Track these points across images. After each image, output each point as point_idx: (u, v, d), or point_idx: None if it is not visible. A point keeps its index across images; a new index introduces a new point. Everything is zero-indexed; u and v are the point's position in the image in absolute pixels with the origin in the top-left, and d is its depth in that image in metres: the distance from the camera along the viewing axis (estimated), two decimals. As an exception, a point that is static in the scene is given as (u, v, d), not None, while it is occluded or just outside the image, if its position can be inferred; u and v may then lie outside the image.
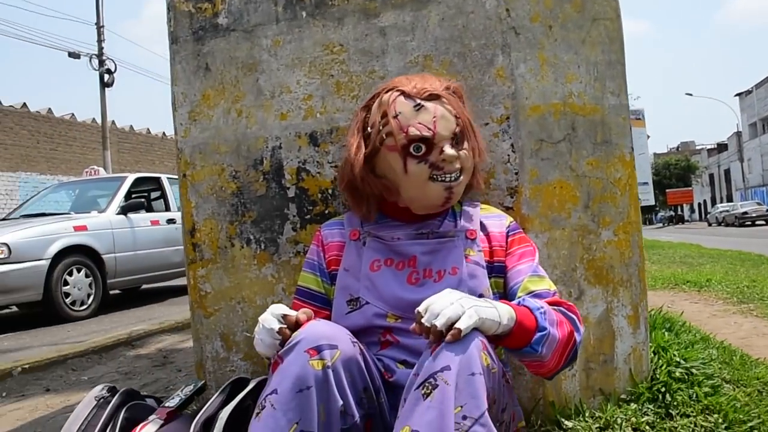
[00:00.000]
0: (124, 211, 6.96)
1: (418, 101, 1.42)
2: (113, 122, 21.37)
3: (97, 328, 5.44)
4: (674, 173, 54.69)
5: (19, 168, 19.10)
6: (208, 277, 2.03)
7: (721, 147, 60.94)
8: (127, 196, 7.27)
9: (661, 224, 55.39)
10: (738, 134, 50.77)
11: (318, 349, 1.18)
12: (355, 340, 1.29)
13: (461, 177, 1.46)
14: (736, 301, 4.93)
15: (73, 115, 22.03)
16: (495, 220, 1.55)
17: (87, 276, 6.31)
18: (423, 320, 1.15)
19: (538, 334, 1.24)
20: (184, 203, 2.07)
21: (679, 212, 58.73)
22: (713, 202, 58.62)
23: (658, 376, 1.98)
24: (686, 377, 2.01)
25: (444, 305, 1.15)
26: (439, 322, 1.12)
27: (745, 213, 33.99)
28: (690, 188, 53.27)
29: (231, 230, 2.00)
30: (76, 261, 6.23)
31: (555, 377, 1.39)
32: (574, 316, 1.36)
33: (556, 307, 1.35)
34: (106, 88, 19.47)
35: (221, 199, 2.01)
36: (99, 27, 19.79)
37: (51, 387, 2.98)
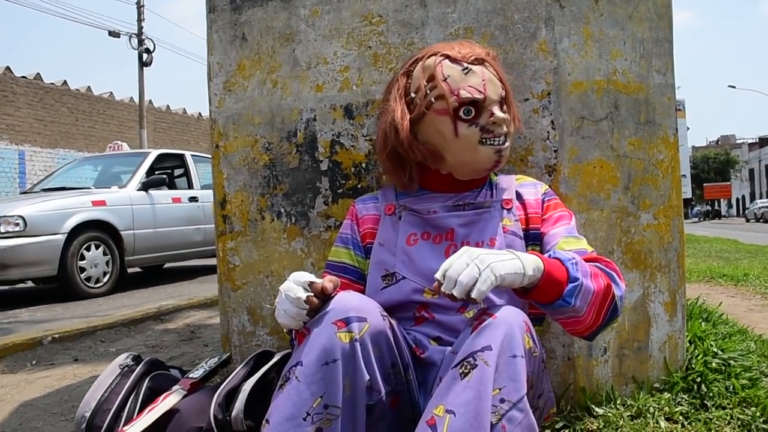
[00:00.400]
0: (146, 187, 6.79)
1: (466, 65, 1.40)
2: (150, 102, 21.59)
3: (129, 302, 5.50)
4: (713, 167, 53.68)
5: (57, 145, 19.41)
6: (237, 249, 2.01)
7: (763, 141, 59.55)
8: (150, 172, 7.08)
9: (696, 219, 54.44)
10: (781, 129, 49.39)
11: (346, 321, 1.15)
12: (385, 314, 1.25)
13: (507, 141, 1.44)
14: (775, 296, 4.80)
15: (111, 93, 22.31)
16: (530, 188, 1.51)
17: (105, 253, 6.22)
18: (442, 288, 1.10)
19: (570, 285, 1.18)
20: (216, 174, 2.05)
21: (716, 207, 57.66)
22: (752, 198, 57.40)
23: (693, 365, 1.92)
24: (723, 368, 1.94)
25: (460, 269, 1.09)
26: (457, 292, 1.07)
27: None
28: (728, 183, 52.27)
29: (262, 203, 1.98)
30: (93, 236, 6.12)
31: (594, 337, 1.30)
32: (612, 272, 1.29)
33: (592, 263, 1.30)
34: (145, 68, 19.69)
35: (253, 171, 1.99)
36: (139, 6, 20.00)
37: (79, 357, 3.00)
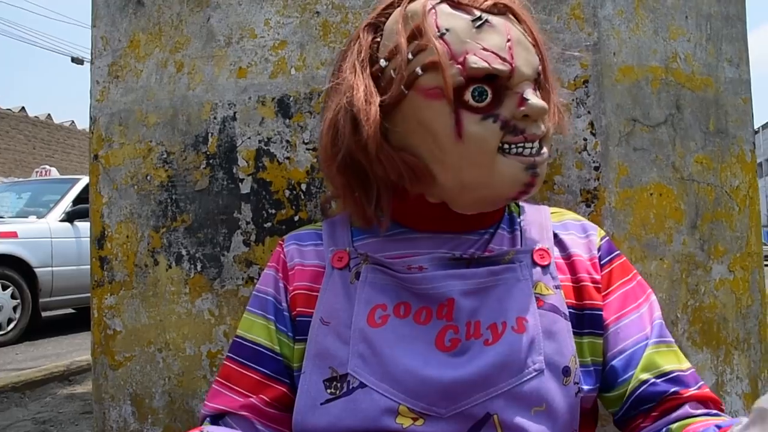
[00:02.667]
0: (71, 217, 5.83)
1: (479, 12, 0.78)
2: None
3: (53, 351, 4.78)
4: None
5: (12, 173, 18.59)
6: (119, 308, 1.36)
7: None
8: (78, 200, 6.00)
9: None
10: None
11: None
12: None
13: (545, 149, 0.80)
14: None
15: (73, 122, 21.70)
16: (579, 235, 0.89)
17: (13, 296, 5.30)
18: None
19: None
20: (94, 198, 1.42)
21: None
22: None
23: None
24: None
25: None
26: None
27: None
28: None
29: (155, 240, 1.34)
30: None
31: None
32: None
33: (722, 415, 0.72)
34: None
35: (145, 193, 1.35)
36: (102, 33, 19.44)
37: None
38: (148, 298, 1.34)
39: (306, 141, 1.24)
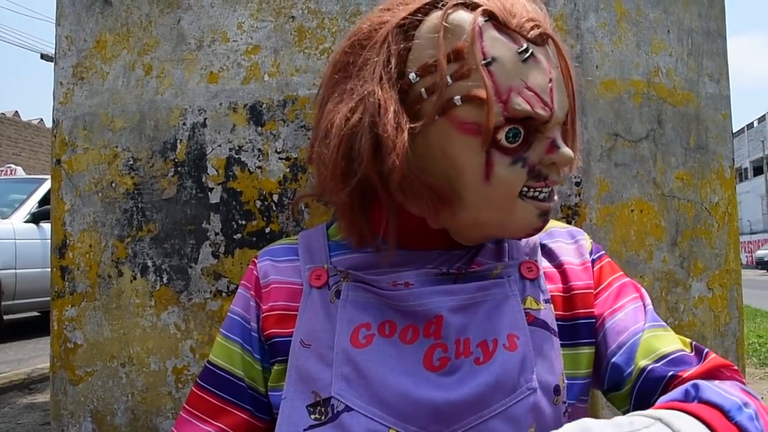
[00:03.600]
0: (36, 219, 5.63)
1: (524, 43, 0.71)
2: (81, 130, 20.69)
3: (14, 356, 4.64)
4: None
5: (-24, 171, 18.23)
6: (80, 321, 1.30)
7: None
8: (44, 201, 5.72)
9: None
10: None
11: None
12: None
13: (555, 195, 0.75)
14: (756, 363, 4.30)
15: (41, 120, 21.32)
16: (566, 241, 0.85)
17: None
18: None
19: None
20: (56, 205, 1.35)
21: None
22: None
23: None
24: None
25: None
26: None
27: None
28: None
29: (120, 250, 1.28)
30: None
31: None
32: (755, 395, 0.68)
33: (736, 384, 0.68)
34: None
35: (110, 200, 1.30)
36: (72, 30, 19.14)
37: None
38: (111, 311, 1.28)
39: (279, 150, 1.19)
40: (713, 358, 0.72)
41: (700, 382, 0.63)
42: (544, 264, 0.82)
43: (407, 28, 0.73)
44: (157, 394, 1.24)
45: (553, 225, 0.88)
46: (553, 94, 0.70)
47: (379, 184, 0.73)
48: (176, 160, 1.26)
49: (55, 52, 1.39)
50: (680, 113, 1.27)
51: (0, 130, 19.22)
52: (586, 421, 0.53)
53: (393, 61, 0.72)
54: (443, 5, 0.71)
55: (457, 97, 0.69)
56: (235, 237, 1.21)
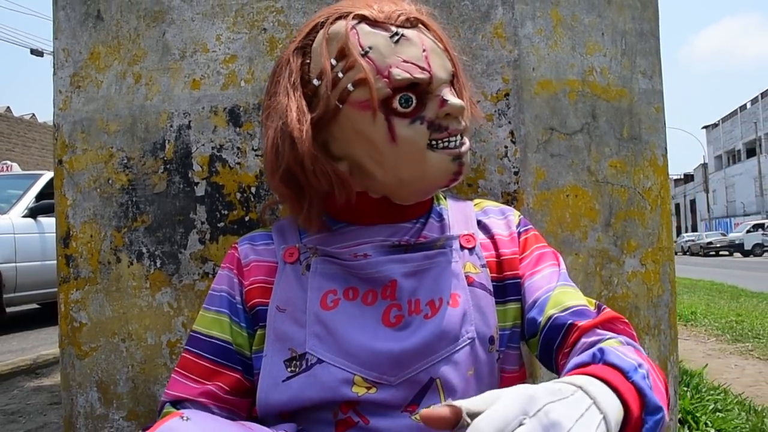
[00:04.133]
0: (34, 213, 5.83)
1: (394, 29, 0.89)
2: (73, 123, 20.69)
3: (18, 346, 4.80)
4: (642, 201, 55.08)
5: (-29, 167, 18.24)
6: (84, 302, 1.46)
7: (688, 177, 61.83)
8: (41, 196, 6.04)
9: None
10: (704, 166, 51.45)
11: None
12: None
13: (466, 140, 0.93)
14: (729, 338, 4.49)
15: (33, 115, 21.29)
16: (497, 216, 1.03)
17: None
18: None
19: (650, 421, 0.66)
20: (59, 200, 1.51)
21: (646, 240, 59.29)
22: (678, 232, 59.26)
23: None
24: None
25: None
26: None
27: (710, 243, 35.41)
28: (657, 217, 53.74)
29: (117, 239, 1.44)
30: None
31: None
32: (642, 349, 0.82)
33: (607, 324, 0.85)
34: (69, 89, 18.65)
35: (107, 195, 1.45)
36: (63, 25, 19.07)
37: None
38: (111, 293, 1.44)
39: (255, 148, 1.35)
40: (607, 311, 0.88)
41: (605, 347, 0.76)
42: (480, 236, 0.99)
43: (304, 49, 0.93)
44: (154, 365, 1.40)
45: (488, 204, 1.05)
46: (429, 61, 0.89)
47: (299, 170, 0.91)
48: (165, 159, 1.41)
49: (54, 64, 1.54)
50: (614, 108, 1.42)
51: (-8, 126, 19.24)
52: (528, 387, 0.62)
53: (294, 74, 0.92)
54: (325, 23, 0.91)
55: (349, 85, 0.88)
56: (218, 225, 1.37)
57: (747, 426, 1.77)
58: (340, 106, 0.89)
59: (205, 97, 1.39)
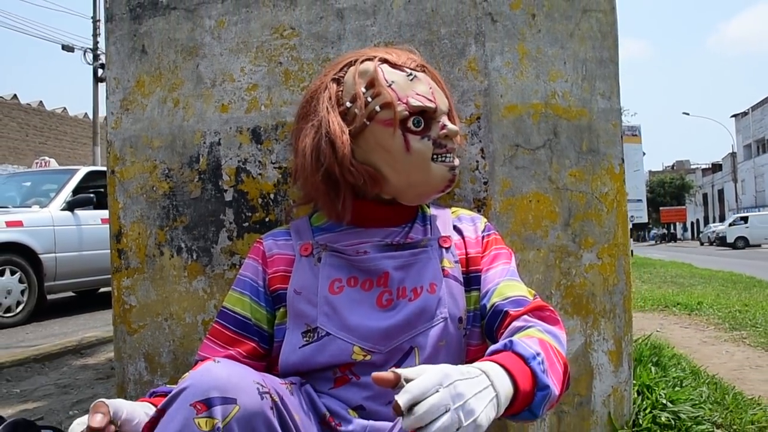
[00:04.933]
0: (71, 206, 6.22)
1: (409, 71, 1.23)
2: (105, 118, 21.18)
3: (60, 330, 5.17)
4: (668, 191, 54.65)
5: (6, 160, 18.78)
6: (133, 288, 1.77)
7: (716, 167, 61.01)
8: (78, 190, 6.45)
9: (653, 242, 55.52)
10: (733, 155, 50.82)
11: (207, 404, 0.89)
12: (268, 388, 0.99)
13: (456, 159, 1.26)
14: (728, 327, 4.70)
15: (65, 109, 21.74)
16: (469, 223, 1.31)
17: (21, 281, 5.72)
18: (404, 426, 0.81)
19: (539, 395, 0.94)
20: (112, 204, 1.82)
21: (672, 230, 58.78)
22: (706, 222, 58.63)
23: (641, 421, 1.74)
24: (673, 422, 1.77)
25: (435, 409, 0.80)
26: None
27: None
28: (683, 207, 53.26)
29: (161, 236, 1.74)
30: (7, 260, 5.59)
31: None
32: (559, 333, 1.09)
33: (534, 312, 1.11)
34: (100, 83, 19.07)
35: (152, 200, 1.76)
36: (95, 21, 19.51)
37: (-22, 399, 2.71)
38: (156, 281, 1.74)
39: (273, 161, 1.64)
40: (537, 301, 1.16)
41: (515, 339, 1.01)
42: (455, 238, 1.28)
43: (338, 80, 1.25)
44: (191, 339, 1.70)
45: (463, 212, 1.35)
46: (434, 95, 1.23)
47: (338, 170, 1.20)
48: (199, 170, 1.71)
49: (106, 90, 1.84)
50: (574, 126, 1.68)
51: (26, 120, 19.75)
52: (446, 367, 0.83)
53: (333, 98, 1.23)
54: (356, 62, 1.24)
55: (377, 107, 1.19)
56: (244, 225, 1.66)
57: (701, 397, 2.03)
58: (368, 123, 1.20)
59: (232, 119, 1.68)
